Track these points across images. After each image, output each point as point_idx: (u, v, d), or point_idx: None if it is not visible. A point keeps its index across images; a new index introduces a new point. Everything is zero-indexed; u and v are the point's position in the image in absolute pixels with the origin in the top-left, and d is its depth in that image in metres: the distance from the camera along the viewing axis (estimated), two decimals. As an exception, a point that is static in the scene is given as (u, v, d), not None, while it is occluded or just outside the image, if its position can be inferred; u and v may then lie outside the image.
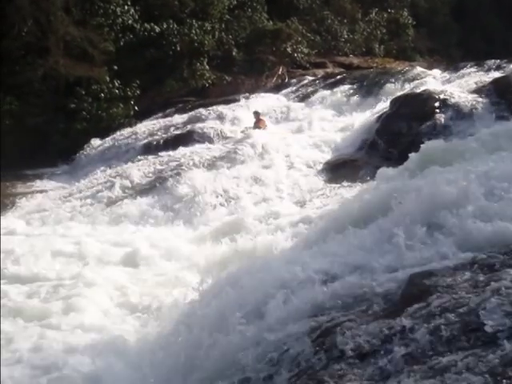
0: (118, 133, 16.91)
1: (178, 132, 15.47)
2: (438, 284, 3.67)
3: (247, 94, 18.22)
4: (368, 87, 16.48)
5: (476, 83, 12.79)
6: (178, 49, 19.97)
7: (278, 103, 17.21)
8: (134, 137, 16.13)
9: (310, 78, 19.94)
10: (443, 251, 4.27)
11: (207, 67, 20.56)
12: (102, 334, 6.50)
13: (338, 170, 12.08)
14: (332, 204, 9.56)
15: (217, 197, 11.50)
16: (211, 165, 12.74)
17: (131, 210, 11.46)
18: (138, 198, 11.98)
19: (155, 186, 12.29)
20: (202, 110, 16.65)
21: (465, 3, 30.54)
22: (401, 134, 11.90)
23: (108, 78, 18.25)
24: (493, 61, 15.25)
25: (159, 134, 15.79)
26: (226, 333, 4.31)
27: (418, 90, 13.72)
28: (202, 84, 20.46)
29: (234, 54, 21.42)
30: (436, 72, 16.58)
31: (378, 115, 13.34)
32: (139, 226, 10.79)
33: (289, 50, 21.95)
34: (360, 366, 3.26)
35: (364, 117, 14.21)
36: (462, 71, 15.40)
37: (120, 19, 19.19)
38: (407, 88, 15.32)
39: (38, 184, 14.81)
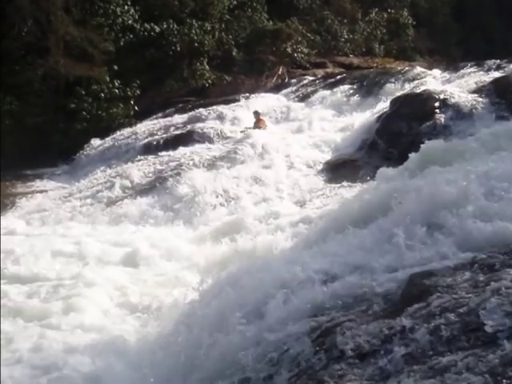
0: (118, 133, 16.90)
1: (177, 132, 15.46)
2: (437, 284, 3.67)
3: (247, 94, 18.23)
4: (368, 87, 16.48)
5: (476, 83, 12.79)
6: (178, 49, 19.97)
7: (278, 103, 17.22)
8: (133, 137, 16.13)
9: (310, 78, 19.95)
10: (443, 251, 4.27)
11: (207, 67, 20.57)
12: (102, 334, 6.49)
13: (338, 169, 12.08)
14: (332, 204, 9.56)
15: (217, 197, 11.50)
16: (211, 165, 12.74)
17: (131, 210, 11.46)
18: (138, 198, 11.98)
19: (155, 186, 12.29)
20: (202, 110, 16.66)
21: (465, 3, 30.55)
22: (401, 134, 11.90)
23: (108, 78, 18.25)
24: (493, 61, 15.24)
25: (159, 134, 15.78)
26: (226, 333, 4.31)
27: (418, 90, 13.72)
28: (202, 84, 20.46)
29: (234, 53, 21.42)
30: (436, 72, 16.58)
31: (377, 115, 13.34)
32: (139, 226, 10.78)
33: (289, 50, 21.96)
34: (360, 366, 3.26)
35: (364, 117, 14.21)
36: (462, 71, 15.39)
37: (120, 19, 19.19)
38: (407, 88, 15.32)
39: (38, 184, 14.81)
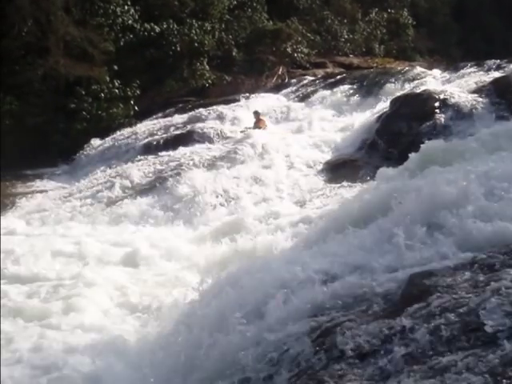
0: (118, 133, 16.90)
1: (177, 132, 15.46)
2: (438, 284, 3.67)
3: (247, 94, 18.23)
4: (368, 87, 16.49)
5: (476, 83, 12.79)
6: (178, 49, 19.97)
7: (278, 103, 17.22)
8: (133, 137, 16.13)
9: (310, 78, 19.95)
10: (443, 251, 4.27)
11: (207, 67, 20.56)
12: (102, 333, 6.49)
13: (338, 169, 12.08)
14: (332, 204, 9.56)
15: (217, 197, 11.50)
16: (211, 165, 12.74)
17: (131, 210, 11.46)
18: (138, 198, 11.98)
19: (155, 185, 12.29)
20: (202, 110, 16.66)
21: (465, 3, 30.55)
22: (401, 134, 11.91)
23: (108, 78, 18.25)
24: (493, 61, 15.24)
25: (159, 134, 15.78)
26: (226, 333, 4.31)
27: (418, 90, 13.73)
28: (202, 84, 20.46)
29: (234, 54, 21.42)
30: (436, 72, 16.58)
31: (378, 115, 13.35)
32: (139, 226, 10.78)
33: (289, 50, 21.96)
34: (360, 366, 3.26)
35: (364, 117, 14.21)
36: (462, 71, 15.40)
37: (120, 19, 19.19)
38: (407, 88, 15.32)
39: (38, 184, 14.81)
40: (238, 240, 8.98)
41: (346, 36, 25.21)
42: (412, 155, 7.41)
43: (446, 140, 9.04)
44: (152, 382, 4.76)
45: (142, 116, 18.23)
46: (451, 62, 21.88)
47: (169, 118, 17.35)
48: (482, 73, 14.33)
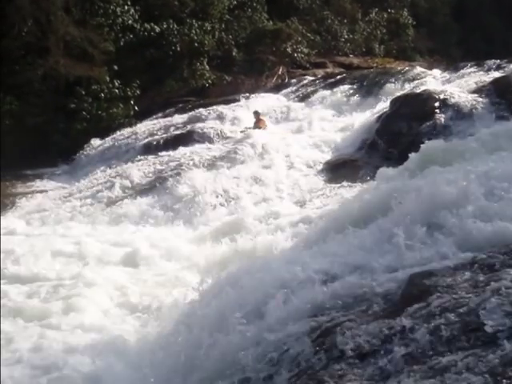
0: (118, 133, 16.90)
1: (177, 132, 15.46)
2: (438, 284, 3.67)
3: (247, 94, 18.23)
4: (368, 87, 16.49)
5: (476, 83, 12.79)
6: (178, 49, 19.97)
7: (278, 103, 17.22)
8: (133, 137, 16.13)
9: (310, 78, 19.95)
10: (443, 251, 4.27)
11: (207, 67, 20.56)
12: (102, 333, 6.49)
13: (338, 170, 12.08)
14: (332, 204, 9.56)
15: (217, 197, 11.50)
16: (211, 165, 12.74)
17: (131, 210, 11.46)
18: (138, 198, 11.98)
19: (155, 185, 12.29)
20: (202, 110, 16.66)
21: (465, 3, 30.55)
22: (401, 134, 11.91)
23: (108, 78, 18.25)
24: (493, 61, 15.24)
25: (159, 134, 15.78)
26: (226, 333, 4.31)
27: (418, 90, 13.73)
28: (202, 84, 20.46)
29: (234, 54, 21.42)
30: (436, 72, 16.58)
31: (378, 115, 13.35)
32: (139, 226, 10.78)
33: (289, 50, 21.96)
34: (360, 366, 3.26)
35: (364, 117, 14.21)
36: (462, 71, 15.40)
37: (120, 19, 19.19)
38: (407, 88, 15.32)
39: (38, 184, 14.81)
40: (238, 240, 8.98)
41: (346, 36, 25.21)
42: (412, 155, 7.41)
43: (446, 140, 9.04)
44: (152, 382, 4.76)
45: (142, 116, 18.23)
46: (451, 62, 21.88)
47: (169, 118, 17.35)
48: (482, 73, 14.33)
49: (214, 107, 16.68)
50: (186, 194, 11.65)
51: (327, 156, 12.92)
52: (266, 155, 12.96)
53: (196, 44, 20.16)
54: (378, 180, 7.60)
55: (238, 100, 17.56)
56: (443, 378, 2.82)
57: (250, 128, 14.70)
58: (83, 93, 17.87)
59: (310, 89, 18.07)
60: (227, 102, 17.31)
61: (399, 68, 19.02)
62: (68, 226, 10.99)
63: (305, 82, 19.44)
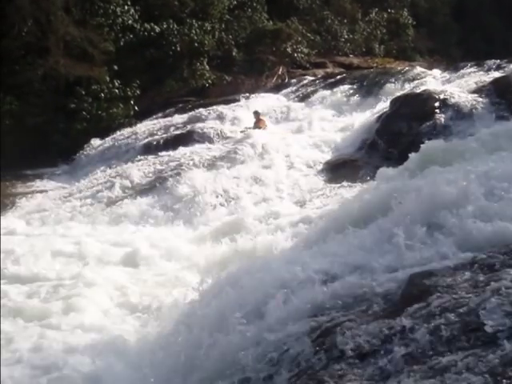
0: (118, 133, 16.90)
1: (177, 132, 15.46)
2: (438, 284, 3.67)
3: (247, 94, 18.23)
4: (368, 87, 16.49)
5: (476, 83, 12.79)
6: (178, 49, 19.97)
7: (278, 103, 17.23)
8: (133, 137, 16.13)
9: (310, 78, 19.95)
10: (443, 251, 4.27)
11: (207, 67, 20.57)
12: (102, 333, 6.49)
13: (338, 169, 12.08)
14: (332, 204, 9.56)
15: (217, 197, 11.50)
16: (211, 165, 12.74)
17: (131, 210, 11.46)
18: (138, 198, 11.98)
19: (155, 185, 12.29)
20: (202, 110, 16.66)
21: (465, 3, 30.55)
22: (401, 134, 11.91)
23: (108, 78, 18.25)
24: (493, 61, 15.24)
25: (159, 134, 15.78)
26: (226, 333, 4.31)
27: (418, 90, 13.72)
28: (202, 84, 20.47)
29: (234, 54, 21.42)
30: (436, 72, 16.58)
31: (378, 115, 13.35)
32: (139, 226, 10.78)
33: (289, 50, 21.96)
34: (360, 366, 3.26)
35: (364, 117, 14.21)
36: (462, 71, 15.40)
37: (120, 19, 19.19)
38: (407, 88, 15.32)
39: (38, 184, 14.81)
40: (238, 240, 8.98)
41: (346, 36, 25.21)
42: (412, 155, 7.41)
43: (446, 140, 9.04)
44: (152, 382, 4.76)
45: (142, 116, 18.23)
46: (451, 62, 21.88)
47: (169, 118, 17.35)
48: (482, 73, 14.33)
49: (214, 107, 16.68)
50: (186, 194, 11.66)
51: (327, 156, 12.92)
52: (265, 155, 12.96)
53: (196, 44, 20.16)
54: (378, 180, 7.60)
55: (238, 100, 17.56)
56: (443, 378, 2.82)
57: (249, 128, 14.70)
58: (83, 93, 17.87)
59: (309, 89, 18.07)
60: (227, 102, 17.32)
61: (399, 68, 19.02)
62: (68, 226, 10.99)
63: (305, 82, 19.44)
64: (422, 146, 7.58)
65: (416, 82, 15.67)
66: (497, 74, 13.41)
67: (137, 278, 8.35)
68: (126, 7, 19.38)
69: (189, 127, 15.42)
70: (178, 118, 16.83)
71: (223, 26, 21.66)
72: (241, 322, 4.30)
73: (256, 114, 15.17)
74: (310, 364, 3.53)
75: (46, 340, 6.32)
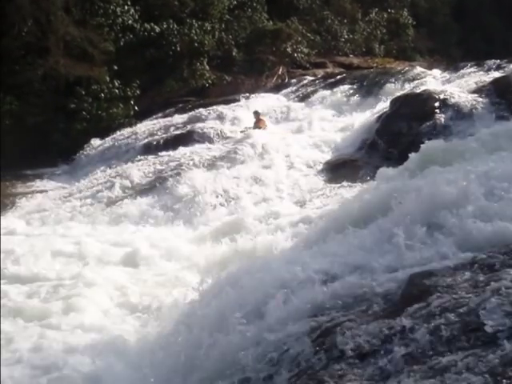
0: (118, 133, 16.91)
1: (177, 132, 15.47)
2: (438, 284, 3.67)
3: (247, 94, 18.23)
4: (368, 87, 16.49)
5: (476, 83, 12.79)
6: (178, 49, 19.97)
7: (278, 103, 17.23)
8: (133, 137, 16.13)
9: (310, 78, 19.95)
10: (443, 251, 4.27)
11: (207, 67, 20.56)
12: (102, 333, 6.49)
13: (338, 169, 12.08)
14: (332, 204, 9.56)
15: (217, 197, 11.50)
16: (211, 165, 12.75)
17: (131, 210, 11.46)
18: (138, 198, 11.99)
19: (155, 185, 12.30)
20: (202, 110, 16.66)
21: (465, 3, 30.55)
22: (401, 134, 11.91)
23: (108, 78, 18.25)
24: (493, 61, 15.24)
25: (159, 134, 15.79)
26: (226, 333, 4.31)
27: (418, 90, 13.73)
28: (202, 84, 20.46)
29: (234, 54, 21.42)
30: (436, 72, 16.58)
31: (378, 115, 13.35)
32: (139, 226, 10.78)
33: (289, 50, 21.96)
34: (360, 366, 3.26)
35: (364, 117, 14.21)
36: (462, 71, 15.40)
37: (120, 19, 19.19)
38: (407, 88, 15.32)
39: (38, 184, 14.81)
40: (238, 240, 8.98)
41: (346, 36, 25.20)
42: (412, 155, 7.41)
43: (446, 140, 9.04)
44: (152, 382, 4.76)
45: (142, 116, 18.23)
46: (451, 62, 21.86)
47: (169, 118, 17.35)
48: (482, 73, 14.33)
49: (214, 107, 16.68)
50: (186, 194, 11.66)
51: (327, 156, 12.92)
52: (265, 155, 12.96)
53: (196, 44, 20.16)
54: (378, 180, 7.60)
55: (238, 100, 17.56)
56: (443, 378, 2.82)
57: (249, 128, 14.70)
58: (83, 93, 17.87)
59: (309, 89, 18.07)
60: (227, 102, 17.32)
61: (399, 68, 19.02)
62: (68, 226, 10.99)
63: (305, 82, 19.44)
64: (421, 146, 7.58)
65: (416, 82, 15.67)
66: (497, 74, 13.41)
67: (137, 278, 8.35)
68: (126, 7, 19.38)
69: (189, 127, 15.42)
70: (178, 118, 16.83)
71: (223, 26, 21.66)
72: (241, 322, 4.30)
73: (256, 114, 15.17)
74: (309, 364, 3.53)
75: (45, 340, 6.32)
